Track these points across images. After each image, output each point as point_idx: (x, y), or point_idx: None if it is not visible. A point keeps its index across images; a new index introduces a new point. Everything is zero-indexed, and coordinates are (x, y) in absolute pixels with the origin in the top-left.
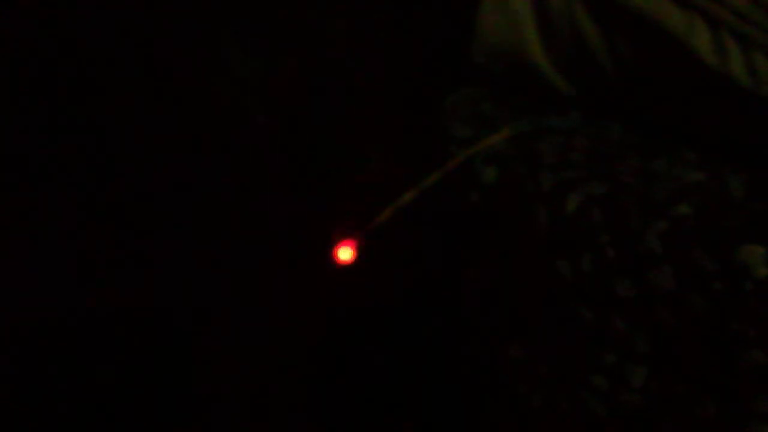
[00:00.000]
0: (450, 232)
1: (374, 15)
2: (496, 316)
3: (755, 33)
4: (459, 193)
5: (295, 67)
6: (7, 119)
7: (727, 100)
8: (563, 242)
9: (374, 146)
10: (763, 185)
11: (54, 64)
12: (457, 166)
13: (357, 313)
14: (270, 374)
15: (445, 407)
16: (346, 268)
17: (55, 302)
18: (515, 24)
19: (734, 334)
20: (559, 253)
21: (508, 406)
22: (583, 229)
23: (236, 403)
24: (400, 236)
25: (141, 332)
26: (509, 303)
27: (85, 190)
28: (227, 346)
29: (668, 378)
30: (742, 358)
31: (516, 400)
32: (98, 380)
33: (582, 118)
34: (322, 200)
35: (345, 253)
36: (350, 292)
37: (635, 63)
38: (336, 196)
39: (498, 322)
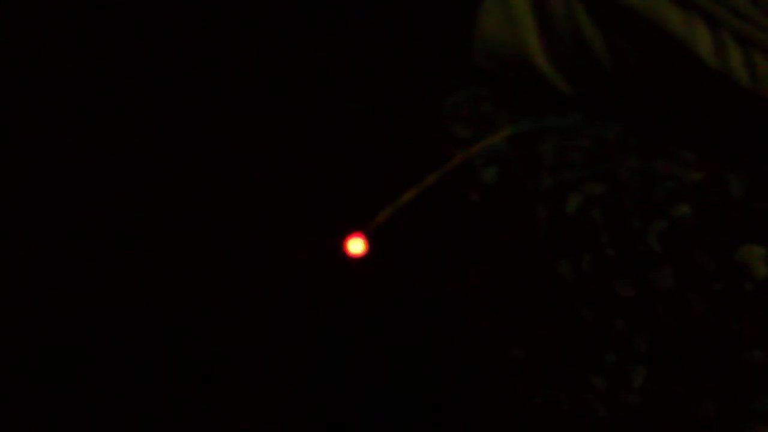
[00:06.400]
0: (450, 232)
1: (374, 15)
2: (496, 316)
3: (755, 33)
4: (459, 193)
5: (297, 68)
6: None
7: (727, 100)
8: (563, 242)
9: (375, 146)
10: (763, 185)
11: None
12: (457, 166)
13: (357, 312)
14: (270, 373)
15: (445, 407)
16: (354, 263)
17: (56, 302)
18: (515, 24)
19: (734, 334)
20: (559, 253)
21: (508, 406)
22: (583, 229)
23: (236, 403)
24: (400, 236)
25: (141, 331)
26: (509, 303)
27: (86, 189)
28: (229, 345)
29: (668, 378)
30: (742, 358)
31: (516, 400)
32: (97, 379)
33: (582, 118)
34: (323, 200)
35: (356, 246)
36: (350, 291)
37: (635, 63)
38: (336, 196)
39: (498, 322)
